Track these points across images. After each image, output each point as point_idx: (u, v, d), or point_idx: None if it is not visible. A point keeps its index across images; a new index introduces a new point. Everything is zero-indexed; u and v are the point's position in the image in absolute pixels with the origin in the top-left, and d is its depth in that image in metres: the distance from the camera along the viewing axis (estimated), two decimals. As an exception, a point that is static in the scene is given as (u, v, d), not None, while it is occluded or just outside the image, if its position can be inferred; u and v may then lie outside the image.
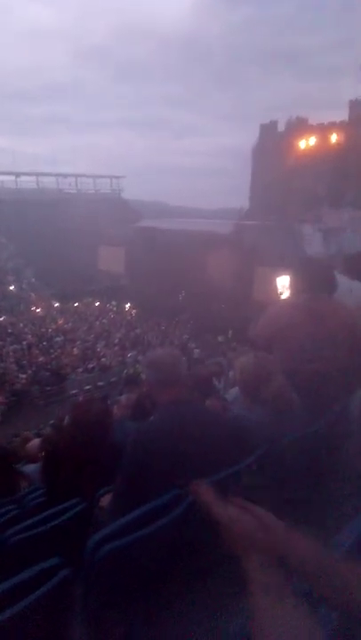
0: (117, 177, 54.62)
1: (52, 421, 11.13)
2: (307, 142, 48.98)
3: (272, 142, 52.22)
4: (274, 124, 54.02)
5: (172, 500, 1.49)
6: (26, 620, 1.07)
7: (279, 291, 15.17)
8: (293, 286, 2.79)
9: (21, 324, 28.68)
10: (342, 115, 48.03)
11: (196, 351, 22.54)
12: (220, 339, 25.04)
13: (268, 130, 54.09)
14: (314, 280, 2.60)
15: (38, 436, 7.94)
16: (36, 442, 4.95)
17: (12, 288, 35.43)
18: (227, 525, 0.68)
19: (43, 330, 27.66)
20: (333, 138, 47.15)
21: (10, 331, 26.93)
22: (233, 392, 3.15)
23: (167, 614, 1.26)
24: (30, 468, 4.36)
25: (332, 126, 47.90)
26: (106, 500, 2.01)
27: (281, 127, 53.11)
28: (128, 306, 34.63)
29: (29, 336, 25.74)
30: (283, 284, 14.39)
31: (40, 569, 1.21)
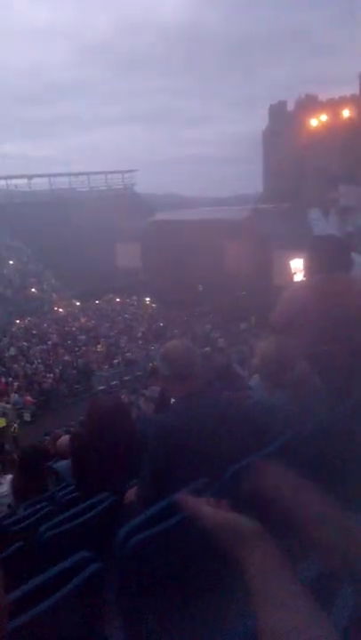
0: (129, 172, 54.65)
1: (79, 418, 11.32)
2: (318, 120, 47.80)
3: (282, 123, 51.19)
4: (283, 104, 52.88)
5: (198, 489, 1.50)
6: (58, 612, 1.09)
7: (294, 273, 14.98)
8: (308, 267, 2.74)
9: (45, 325, 29.17)
10: (353, 89, 46.76)
11: (220, 340, 22.52)
12: (242, 326, 24.94)
13: (277, 111, 53.01)
14: (329, 259, 2.55)
15: (68, 433, 8.10)
16: (65, 439, 5.05)
17: (33, 290, 36.00)
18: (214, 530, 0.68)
19: (66, 329, 28.07)
20: (345, 113, 45.90)
21: (34, 332, 27.43)
22: (255, 378, 3.13)
23: (196, 604, 1.27)
24: (61, 465, 4.46)
25: (343, 101, 46.63)
26: (132, 494, 2.04)
27: (290, 107, 52.00)
28: (148, 300, 34.77)
29: (54, 336, 26.17)
30: (298, 267, 14.21)
31: (71, 563, 1.24)
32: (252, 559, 0.61)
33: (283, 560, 0.60)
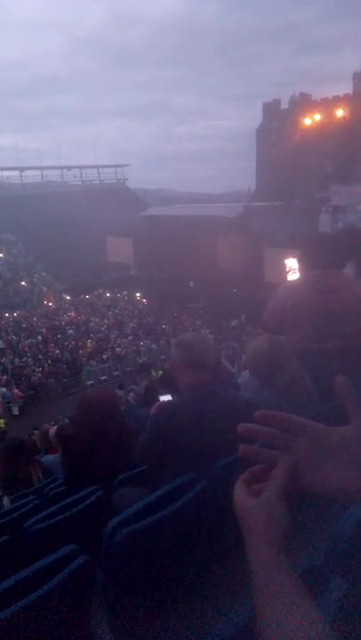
0: (122, 166, 54.34)
1: (68, 413, 11.28)
2: (312, 118, 47.91)
3: (276, 121, 51.26)
4: (277, 102, 52.91)
5: (187, 483, 1.49)
6: (44, 606, 1.08)
7: (287, 270, 15.06)
8: (301, 264, 2.75)
9: (35, 319, 28.95)
10: (347, 88, 46.92)
11: (211, 337, 22.55)
12: (233, 323, 24.99)
13: (271, 109, 53.03)
14: (321, 256, 2.55)
15: (55, 427, 8.05)
16: (53, 432, 5.03)
17: (23, 284, 35.70)
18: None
19: (56, 323, 27.89)
20: (339, 112, 46.05)
21: (24, 325, 27.23)
22: (245, 375, 3.14)
23: (183, 598, 1.27)
24: (49, 458, 4.44)
25: (336, 100, 46.76)
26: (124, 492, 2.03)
27: (285, 105, 52.03)
28: (139, 295, 34.67)
29: (44, 330, 25.99)
30: (292, 264, 14.27)
31: (57, 556, 1.23)
32: (257, 549, 0.60)
33: (288, 553, 0.59)
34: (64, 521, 1.94)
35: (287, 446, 0.62)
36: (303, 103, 49.69)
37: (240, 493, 0.62)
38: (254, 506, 0.60)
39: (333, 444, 0.61)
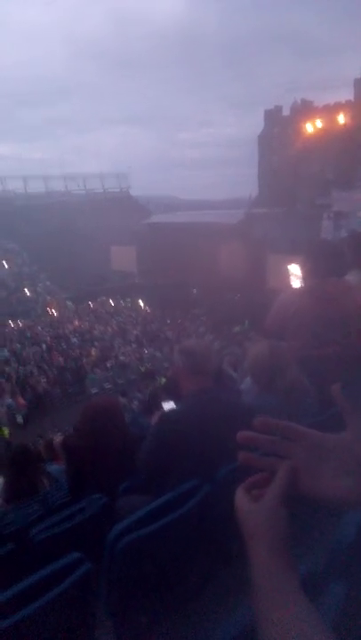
0: (125, 174, 54.72)
1: (73, 421, 11.30)
2: (313, 125, 48.12)
3: (278, 128, 51.51)
4: (278, 109, 53.20)
5: (190, 490, 1.50)
6: (49, 613, 1.10)
7: (290, 277, 15.05)
8: (303, 271, 2.77)
9: (39, 327, 29.04)
10: (348, 94, 47.15)
11: (213, 343, 22.54)
12: (236, 329, 24.98)
13: (272, 116, 53.33)
14: (322, 263, 2.57)
15: (61, 436, 8.06)
16: (58, 441, 5.04)
17: (27, 293, 35.86)
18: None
19: (60, 331, 27.96)
20: (341, 119, 46.23)
21: (28, 334, 27.30)
22: (247, 381, 3.14)
23: (186, 604, 1.28)
24: (54, 468, 4.45)
25: (338, 107, 46.96)
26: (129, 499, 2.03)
27: (286, 111, 52.30)
28: (142, 302, 34.74)
29: (48, 338, 26.06)
30: (294, 270, 14.28)
31: (62, 564, 1.24)
32: (258, 553, 0.61)
33: (289, 556, 0.60)
34: (68, 530, 1.95)
35: (287, 453, 0.63)
36: (305, 110, 49.92)
37: (241, 498, 0.64)
38: (254, 510, 0.62)
39: (330, 451, 0.62)
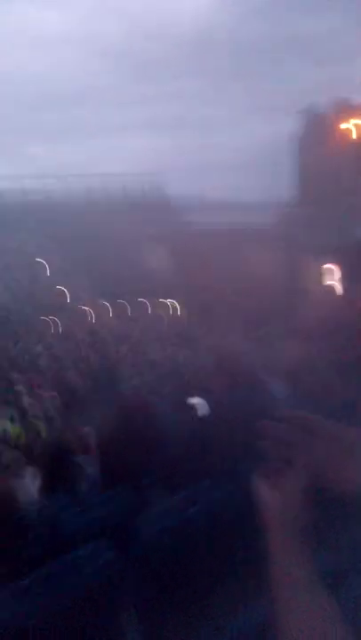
0: (156, 175, 54.95)
1: (103, 415, 11.44)
2: (351, 124, 46.90)
3: (313, 127, 50.45)
4: (313, 107, 52.10)
5: (216, 485, 1.52)
6: (74, 598, 1.14)
7: (323, 278, 14.79)
8: (338, 273, 2.74)
9: (72, 324, 29.61)
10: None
11: (244, 343, 22.38)
12: (267, 331, 24.70)
13: (307, 115, 52.27)
14: (357, 266, 2.54)
15: (93, 429, 8.19)
16: (89, 434, 5.14)
17: (61, 289, 36.56)
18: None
19: (93, 328, 28.44)
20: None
21: (61, 330, 27.90)
22: (277, 383, 3.13)
23: (213, 597, 1.30)
24: (85, 460, 4.54)
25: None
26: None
27: (322, 110, 51.13)
28: (174, 302, 34.87)
29: (80, 334, 26.55)
30: (327, 273, 14.03)
31: (88, 551, 1.29)
32: (277, 542, 0.62)
33: (308, 547, 0.61)
34: (96, 519, 2.01)
35: (308, 445, 0.65)
36: (341, 108, 48.71)
37: (261, 487, 0.66)
38: (275, 499, 0.63)
39: (353, 444, 0.63)
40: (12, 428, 15.48)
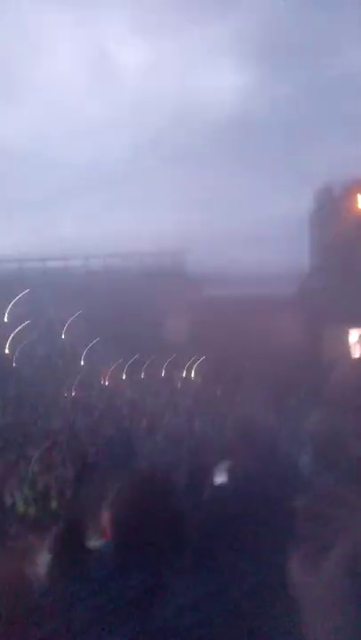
0: (179, 253, 57.42)
1: (118, 494, 11.02)
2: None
3: (329, 205, 52.74)
4: (329, 188, 54.88)
5: (239, 575, 1.39)
6: None
7: (350, 349, 14.65)
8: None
9: (92, 398, 29.52)
10: None
11: (269, 415, 21.73)
12: (291, 402, 24.09)
13: (323, 194, 54.93)
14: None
15: (108, 510, 7.84)
16: (105, 516, 4.90)
17: (83, 363, 36.97)
18: None
19: (112, 401, 28.25)
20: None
21: (81, 405, 27.78)
22: (304, 457, 2.97)
23: None
24: (101, 544, 4.29)
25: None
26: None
27: (337, 191, 53.75)
28: (194, 374, 34.69)
29: (100, 408, 26.35)
30: (354, 342, 13.89)
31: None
32: (316, 629, 0.55)
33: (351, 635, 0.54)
34: (113, 610, 1.84)
35: (346, 522, 0.59)
36: (356, 188, 51.18)
37: (296, 571, 0.59)
38: (312, 585, 0.56)
39: None
40: (22, 505, 15.02)
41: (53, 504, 15.55)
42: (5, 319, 29.72)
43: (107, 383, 34.27)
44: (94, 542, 4.31)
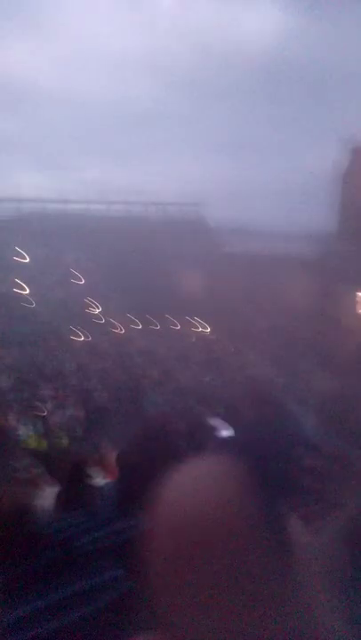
0: (201, 203, 56.03)
1: (128, 437, 11.38)
2: None
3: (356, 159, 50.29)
4: (356, 138, 52.04)
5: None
6: (84, 627, 1.05)
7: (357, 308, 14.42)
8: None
9: (105, 345, 30.01)
10: None
11: (279, 376, 21.94)
12: (305, 365, 24.19)
13: (356, 151, 52.27)
14: None
15: (115, 452, 8.11)
16: (112, 457, 5.07)
17: (98, 311, 37.30)
18: None
19: (125, 349, 28.71)
20: None
21: (94, 352, 28.30)
22: (312, 419, 2.98)
23: None
24: (106, 483, 4.46)
25: None
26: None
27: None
28: (209, 330, 34.83)
29: (113, 357, 26.84)
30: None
31: (103, 579, 1.20)
32: (310, 587, 0.54)
33: (341, 594, 0.53)
34: (114, 545, 1.91)
35: (342, 478, 0.56)
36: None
37: (296, 529, 0.57)
38: (310, 543, 0.55)
39: None
40: (33, 437, 15.71)
41: (65, 441, 16.21)
42: (27, 259, 29.70)
43: (122, 331, 34.66)
44: (99, 480, 4.48)
